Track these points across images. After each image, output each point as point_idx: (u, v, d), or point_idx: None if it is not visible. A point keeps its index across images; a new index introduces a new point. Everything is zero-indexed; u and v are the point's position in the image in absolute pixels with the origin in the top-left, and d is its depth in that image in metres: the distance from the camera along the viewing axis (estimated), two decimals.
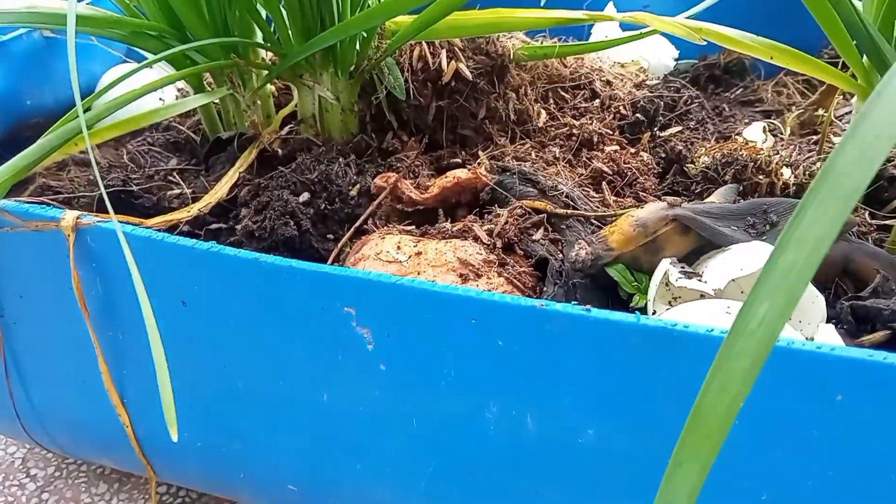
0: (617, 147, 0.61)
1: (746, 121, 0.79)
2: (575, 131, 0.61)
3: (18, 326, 0.52)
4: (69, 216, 0.45)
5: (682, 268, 0.48)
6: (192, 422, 0.51)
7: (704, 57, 0.87)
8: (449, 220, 0.58)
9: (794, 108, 0.81)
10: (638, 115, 0.66)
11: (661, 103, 0.65)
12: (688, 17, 0.64)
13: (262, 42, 0.65)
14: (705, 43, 0.59)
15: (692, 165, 0.66)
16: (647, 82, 0.74)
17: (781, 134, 0.75)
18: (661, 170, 0.63)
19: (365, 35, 0.63)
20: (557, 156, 0.58)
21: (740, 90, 0.84)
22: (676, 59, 0.83)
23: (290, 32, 0.61)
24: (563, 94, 0.64)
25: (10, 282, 0.51)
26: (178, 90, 0.81)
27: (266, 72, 0.67)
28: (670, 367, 0.35)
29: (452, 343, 0.40)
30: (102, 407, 0.53)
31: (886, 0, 0.47)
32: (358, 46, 0.63)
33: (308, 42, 0.59)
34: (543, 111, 0.64)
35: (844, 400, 0.33)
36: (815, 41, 0.79)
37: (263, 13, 0.62)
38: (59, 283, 0.48)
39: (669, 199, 0.48)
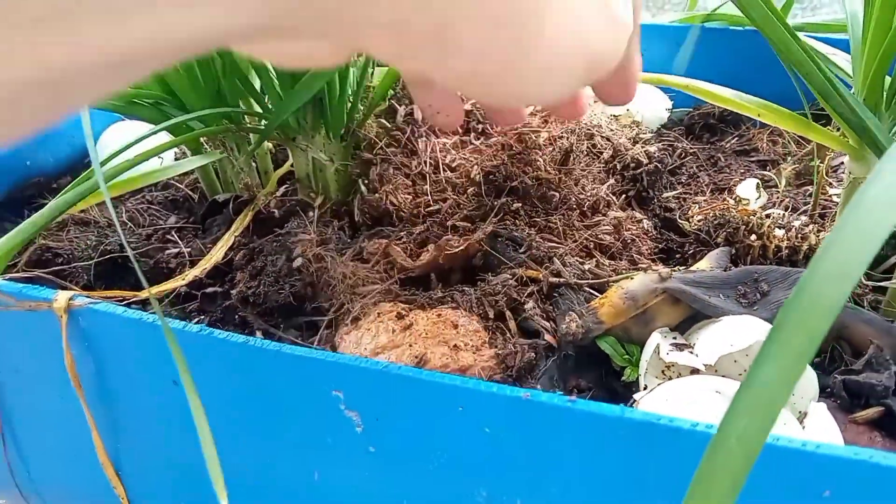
0: (621, 213, 0.61)
1: (741, 171, 0.79)
2: (581, 196, 0.61)
3: (16, 398, 0.53)
4: (62, 298, 0.45)
5: (674, 339, 0.48)
6: (188, 497, 0.51)
7: (699, 106, 0.88)
8: (440, 286, 0.58)
9: (789, 157, 0.82)
10: (638, 179, 0.66)
11: (661, 166, 0.66)
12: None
13: (253, 110, 0.66)
14: None
15: (686, 223, 0.66)
16: (642, 136, 0.75)
17: (777, 185, 0.75)
18: (656, 232, 0.63)
19: (351, 101, 0.64)
20: (554, 222, 0.58)
21: (735, 139, 0.85)
22: (670, 110, 0.84)
23: (280, 100, 0.62)
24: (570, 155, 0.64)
25: (6, 355, 0.51)
26: (177, 149, 0.82)
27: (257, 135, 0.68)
28: (656, 458, 0.35)
29: (440, 429, 0.40)
30: (97, 480, 0.53)
31: (871, 72, 0.47)
32: (347, 109, 0.64)
33: (282, 102, 0.60)
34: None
35: (832, 497, 0.33)
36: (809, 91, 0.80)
37: (257, 83, 0.63)
38: (52, 359, 0.48)
39: (662, 270, 0.48)
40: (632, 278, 0.50)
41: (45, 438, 0.54)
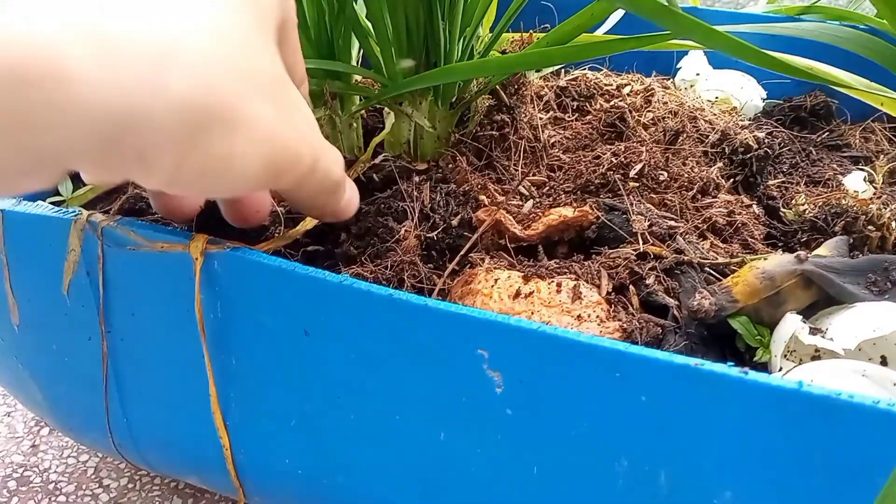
0: (731, 197, 0.60)
1: (834, 166, 0.78)
2: (691, 176, 0.60)
3: (125, 343, 0.52)
4: (199, 239, 0.45)
5: (809, 324, 0.47)
6: (296, 450, 0.51)
7: (790, 99, 0.86)
8: (547, 258, 0.57)
9: (882, 154, 0.80)
10: (747, 164, 0.65)
11: (770, 151, 0.65)
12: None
13: (366, 69, 0.65)
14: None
15: (789, 211, 0.65)
16: (742, 123, 0.73)
17: (874, 183, 0.74)
18: (763, 216, 0.62)
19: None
20: (671, 200, 0.57)
21: (826, 134, 0.84)
22: (764, 99, 0.82)
23: (394, 62, 0.61)
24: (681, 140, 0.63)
25: (121, 299, 0.51)
26: None
27: (362, 97, 0.67)
28: (828, 437, 0.35)
29: (590, 395, 0.39)
30: (201, 428, 0.53)
31: None
32: (460, 82, 0.63)
33: (412, 78, 0.59)
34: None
35: None
36: None
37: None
38: (176, 303, 0.48)
39: (800, 252, 0.47)
40: (766, 258, 0.49)
41: (152, 384, 0.54)
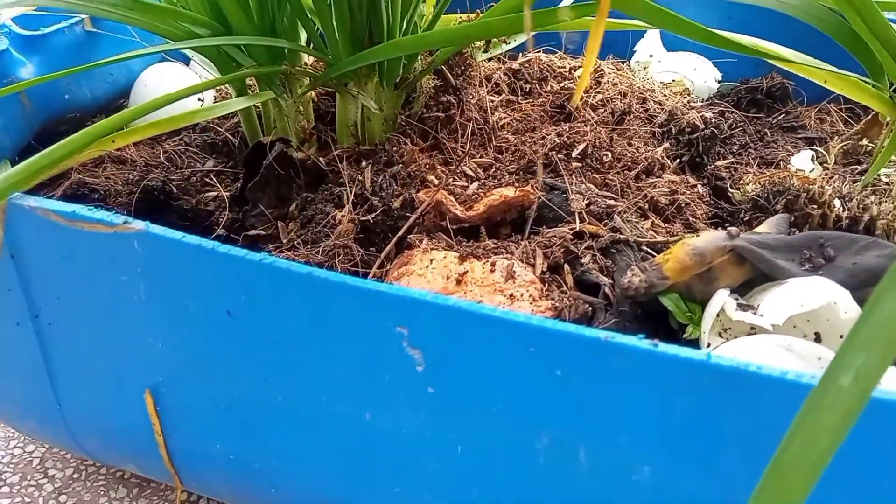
0: (675, 177, 0.59)
1: (788, 147, 0.78)
2: (636, 156, 0.59)
3: (53, 328, 0.52)
4: (119, 220, 0.44)
5: (738, 300, 0.47)
6: (227, 434, 0.50)
7: (746, 80, 0.86)
8: (489, 239, 0.57)
9: (836, 136, 0.80)
10: (693, 144, 0.64)
11: (717, 132, 0.64)
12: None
13: (310, 48, 0.64)
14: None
15: (737, 191, 0.65)
16: (692, 104, 0.73)
17: (826, 163, 0.74)
18: (709, 198, 0.62)
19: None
20: (612, 179, 0.57)
21: (782, 115, 0.83)
22: (719, 81, 0.82)
23: (338, 41, 0.60)
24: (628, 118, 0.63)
25: (47, 282, 0.50)
26: (216, 90, 0.80)
27: (309, 79, 0.66)
28: (739, 408, 0.34)
29: (507, 370, 0.39)
30: (133, 413, 0.52)
31: None
32: (405, 60, 0.62)
33: (358, 54, 0.58)
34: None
35: None
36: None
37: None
38: (100, 286, 0.47)
39: (731, 228, 0.47)
40: (697, 235, 0.48)
41: (82, 370, 0.53)
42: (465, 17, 0.71)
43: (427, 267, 0.52)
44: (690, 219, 0.58)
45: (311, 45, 0.64)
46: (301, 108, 0.71)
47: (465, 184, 0.61)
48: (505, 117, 0.70)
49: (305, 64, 0.71)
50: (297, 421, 0.47)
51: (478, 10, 0.71)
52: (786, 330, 0.47)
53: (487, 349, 0.38)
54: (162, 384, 0.50)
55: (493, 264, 0.51)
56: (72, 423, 0.56)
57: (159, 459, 0.53)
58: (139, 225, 0.44)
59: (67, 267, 0.48)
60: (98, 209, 0.45)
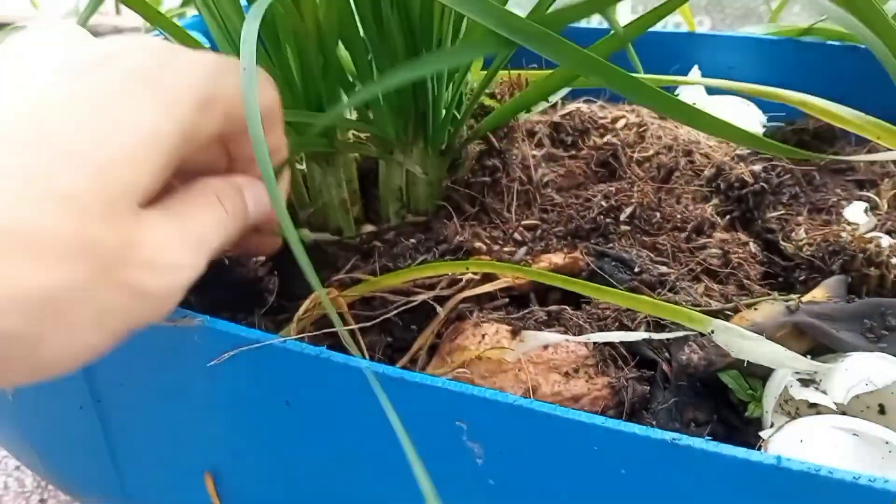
0: (726, 235, 0.59)
1: (838, 191, 0.76)
2: (685, 215, 0.59)
3: (116, 412, 0.53)
4: (178, 314, 0.45)
5: (799, 375, 0.46)
6: None
7: (792, 122, 0.85)
8: (538, 306, 0.57)
9: (886, 178, 0.78)
10: (743, 199, 0.64)
11: (767, 186, 0.63)
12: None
13: (356, 121, 0.65)
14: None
15: (789, 245, 0.64)
16: (738, 152, 0.72)
17: (878, 208, 0.72)
18: (761, 255, 0.61)
19: (458, 116, 0.62)
20: (662, 243, 0.56)
21: (830, 155, 0.82)
22: (764, 125, 0.81)
23: (383, 112, 0.61)
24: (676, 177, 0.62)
25: (109, 370, 0.51)
26: None
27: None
28: None
29: (570, 467, 0.38)
30: (194, 494, 0.53)
31: None
32: (450, 127, 0.63)
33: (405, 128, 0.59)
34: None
35: None
36: None
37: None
38: (163, 374, 0.48)
39: (791, 302, 0.46)
40: (756, 309, 0.48)
41: (146, 453, 0.54)
42: (508, 76, 0.72)
43: (479, 342, 0.51)
44: (744, 280, 0.57)
45: (356, 117, 0.65)
46: (344, 175, 0.72)
47: (513, 248, 0.62)
48: (548, 173, 0.70)
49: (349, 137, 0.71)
50: None
51: (518, 72, 0.72)
52: (853, 408, 0.46)
53: (549, 446, 0.38)
54: (221, 466, 0.51)
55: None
56: (135, 501, 0.57)
57: None
58: (198, 319, 0.44)
59: (129, 355, 0.49)
60: None
